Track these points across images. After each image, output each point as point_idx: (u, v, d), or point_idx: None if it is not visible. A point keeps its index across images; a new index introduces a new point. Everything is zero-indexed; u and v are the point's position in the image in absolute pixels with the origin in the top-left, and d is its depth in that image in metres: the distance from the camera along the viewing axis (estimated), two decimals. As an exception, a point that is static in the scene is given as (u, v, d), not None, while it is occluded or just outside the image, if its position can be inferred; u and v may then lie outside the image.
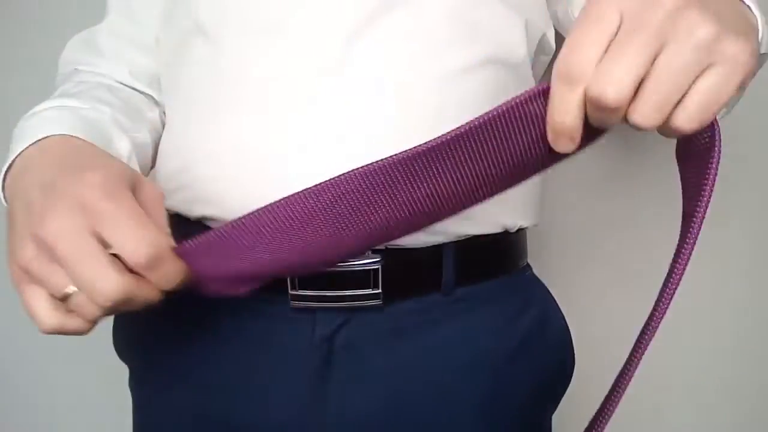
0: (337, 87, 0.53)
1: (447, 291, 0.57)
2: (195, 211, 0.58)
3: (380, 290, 0.55)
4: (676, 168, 0.46)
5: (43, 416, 0.99)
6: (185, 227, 0.59)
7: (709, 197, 0.41)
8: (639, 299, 0.92)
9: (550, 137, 0.39)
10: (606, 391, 0.50)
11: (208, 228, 0.58)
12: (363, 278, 0.55)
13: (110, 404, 0.91)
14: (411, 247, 0.55)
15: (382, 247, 0.55)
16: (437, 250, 0.56)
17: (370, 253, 0.55)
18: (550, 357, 0.62)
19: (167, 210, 0.62)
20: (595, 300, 0.90)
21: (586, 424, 0.50)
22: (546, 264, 0.68)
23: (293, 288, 0.55)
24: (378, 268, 0.54)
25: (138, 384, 0.65)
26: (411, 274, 0.56)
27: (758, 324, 0.93)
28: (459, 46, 0.55)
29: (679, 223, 0.47)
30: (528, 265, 0.65)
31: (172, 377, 0.61)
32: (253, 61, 0.55)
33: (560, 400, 0.65)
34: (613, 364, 0.91)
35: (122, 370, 0.66)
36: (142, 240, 0.41)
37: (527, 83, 0.62)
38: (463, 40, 0.55)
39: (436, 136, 0.41)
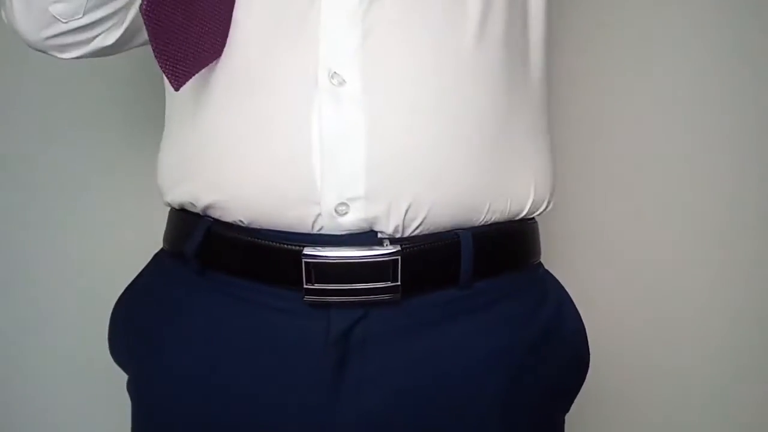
0: (346, 64, 0.53)
1: (464, 285, 0.56)
2: (201, 199, 0.57)
3: (399, 283, 0.54)
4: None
5: (41, 416, 0.97)
6: (190, 222, 0.59)
7: None
8: (644, 297, 0.94)
9: None
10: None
11: (212, 220, 0.57)
12: (382, 270, 0.54)
13: (110, 407, 0.88)
14: (428, 233, 0.55)
15: (399, 236, 0.54)
16: (455, 241, 0.55)
17: (388, 243, 0.54)
18: (566, 352, 0.62)
19: (171, 204, 0.62)
20: (601, 297, 0.90)
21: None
22: (554, 262, 0.67)
23: (309, 282, 0.54)
24: (398, 259, 0.53)
25: (140, 387, 0.63)
26: (429, 266, 0.55)
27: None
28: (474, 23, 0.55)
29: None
30: (541, 263, 0.65)
31: (179, 378, 0.59)
32: (261, 46, 0.54)
33: (576, 395, 0.64)
34: (619, 361, 0.92)
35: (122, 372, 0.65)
36: None
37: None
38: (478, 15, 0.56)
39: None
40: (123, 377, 0.64)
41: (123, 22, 0.61)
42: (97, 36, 0.61)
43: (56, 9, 0.57)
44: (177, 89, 0.54)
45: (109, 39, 0.62)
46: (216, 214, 0.57)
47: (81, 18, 0.58)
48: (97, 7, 0.58)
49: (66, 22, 0.58)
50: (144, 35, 0.60)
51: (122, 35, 0.62)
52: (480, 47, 0.55)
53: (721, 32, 1.00)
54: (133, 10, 0.61)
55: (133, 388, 0.63)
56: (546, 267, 0.65)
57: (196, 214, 0.59)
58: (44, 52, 0.62)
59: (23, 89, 0.94)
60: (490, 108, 0.56)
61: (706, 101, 0.99)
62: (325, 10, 0.53)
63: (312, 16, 0.53)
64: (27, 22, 0.59)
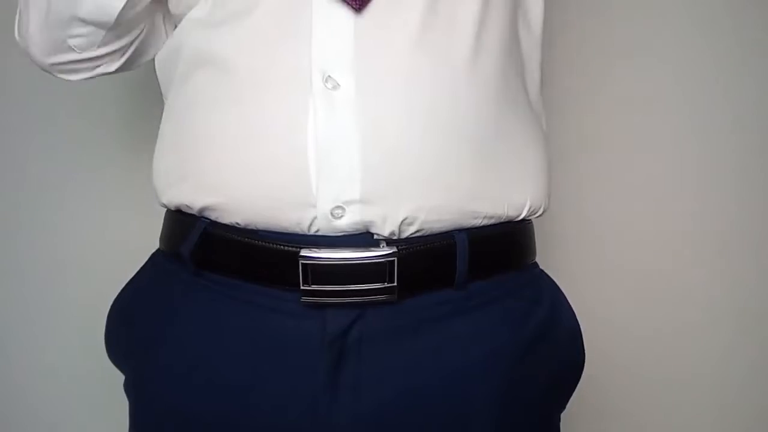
0: (340, 68, 0.53)
1: (460, 286, 0.57)
2: (198, 201, 0.57)
3: (395, 284, 0.54)
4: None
5: (38, 417, 0.97)
6: (186, 223, 0.59)
7: None
8: (642, 300, 0.94)
9: None
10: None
11: (208, 222, 0.57)
12: (378, 271, 0.54)
13: (107, 407, 0.89)
14: (425, 234, 0.55)
15: (396, 238, 0.55)
16: (450, 242, 0.56)
17: (384, 245, 0.54)
18: (562, 352, 0.62)
19: (167, 206, 0.62)
20: (598, 299, 0.90)
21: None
22: (551, 264, 0.68)
23: (305, 283, 0.54)
24: (394, 261, 0.54)
25: (137, 388, 0.63)
26: (424, 267, 0.56)
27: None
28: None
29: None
30: (536, 263, 0.65)
31: (175, 379, 0.59)
32: (256, 48, 0.55)
33: (571, 395, 0.65)
34: (615, 364, 0.92)
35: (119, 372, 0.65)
36: None
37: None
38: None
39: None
40: (120, 378, 0.64)
41: (127, 52, 0.65)
42: (102, 64, 0.64)
43: (75, 42, 0.61)
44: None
45: (112, 66, 0.65)
46: (212, 216, 0.57)
47: (96, 50, 0.62)
48: (111, 41, 0.62)
49: (80, 53, 0.62)
50: (143, 59, 0.65)
51: (125, 63, 0.66)
52: (476, 52, 0.56)
53: (722, 31, 1.00)
54: (138, 41, 0.64)
55: (130, 388, 0.64)
56: (543, 269, 0.65)
57: (192, 215, 0.59)
58: (49, 73, 0.65)
59: (15, 87, 0.94)
60: (486, 112, 0.57)
61: (707, 102, 0.99)
62: (317, 13, 0.53)
63: (305, 19, 0.54)
64: (41, 48, 0.62)
